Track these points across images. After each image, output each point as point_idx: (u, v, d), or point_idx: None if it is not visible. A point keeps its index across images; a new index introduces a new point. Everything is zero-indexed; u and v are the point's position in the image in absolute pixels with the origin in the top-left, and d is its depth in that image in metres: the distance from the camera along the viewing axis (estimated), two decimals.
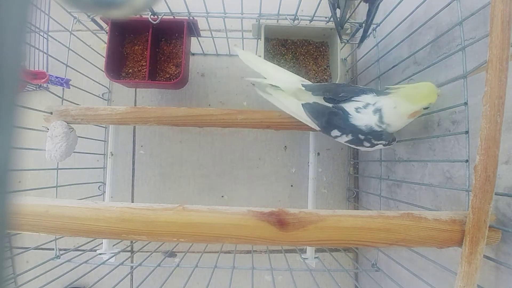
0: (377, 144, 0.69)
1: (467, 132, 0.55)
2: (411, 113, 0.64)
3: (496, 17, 0.42)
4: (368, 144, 0.70)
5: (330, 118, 0.70)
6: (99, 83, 1.08)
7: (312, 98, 0.73)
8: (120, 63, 1.02)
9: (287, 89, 0.76)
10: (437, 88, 0.62)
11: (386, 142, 0.69)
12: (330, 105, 0.71)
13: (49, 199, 0.58)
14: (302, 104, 0.73)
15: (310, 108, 0.72)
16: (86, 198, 1.01)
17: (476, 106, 0.54)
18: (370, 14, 0.72)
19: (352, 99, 0.69)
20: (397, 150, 0.85)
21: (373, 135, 0.68)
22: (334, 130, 0.71)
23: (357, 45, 0.88)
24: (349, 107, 0.68)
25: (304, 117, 0.75)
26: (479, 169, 0.46)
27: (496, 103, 0.43)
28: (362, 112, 0.67)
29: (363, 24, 0.88)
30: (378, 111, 0.66)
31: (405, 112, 0.64)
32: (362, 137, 0.69)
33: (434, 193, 0.69)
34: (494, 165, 0.45)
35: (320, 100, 0.72)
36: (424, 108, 0.63)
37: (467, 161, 0.55)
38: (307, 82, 0.76)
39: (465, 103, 0.56)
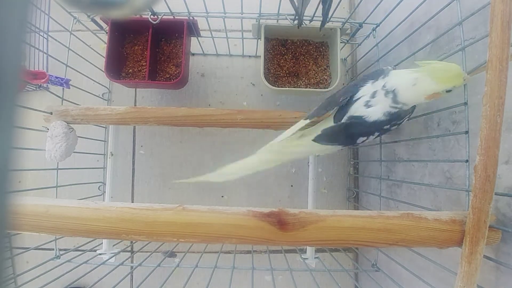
0: (402, 122, 0.64)
1: (467, 132, 0.55)
2: (431, 94, 0.57)
3: (496, 17, 0.42)
4: (394, 127, 0.65)
5: (348, 131, 0.65)
6: (99, 83, 1.08)
7: (318, 129, 0.68)
8: (120, 63, 1.02)
9: (292, 136, 0.69)
10: (464, 72, 0.54)
11: (409, 115, 0.64)
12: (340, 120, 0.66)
13: (49, 199, 0.58)
14: (312, 140, 0.67)
15: (323, 137, 0.67)
16: (86, 198, 1.01)
17: (476, 106, 0.54)
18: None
19: (354, 98, 0.64)
20: (397, 150, 0.85)
21: (394, 120, 0.63)
22: (358, 138, 0.66)
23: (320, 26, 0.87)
24: (357, 109, 0.64)
25: (323, 150, 0.70)
26: (479, 169, 0.46)
27: (496, 103, 0.43)
28: (373, 103, 0.63)
29: (363, 24, 0.88)
30: (390, 92, 0.61)
31: (425, 91, 0.57)
32: (387, 126, 0.64)
33: (434, 193, 0.69)
34: (494, 165, 0.45)
35: (326, 124, 0.67)
36: (447, 91, 0.56)
37: (467, 161, 0.55)
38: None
39: (465, 103, 0.56)
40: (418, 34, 0.72)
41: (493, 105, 0.43)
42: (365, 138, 0.66)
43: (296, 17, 0.86)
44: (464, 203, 0.57)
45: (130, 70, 1.03)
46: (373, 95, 0.63)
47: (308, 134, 0.69)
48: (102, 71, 0.95)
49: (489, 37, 0.44)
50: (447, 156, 0.64)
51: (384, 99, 0.62)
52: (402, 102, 0.60)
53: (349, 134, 0.66)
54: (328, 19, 0.82)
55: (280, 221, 0.52)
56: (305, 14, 0.88)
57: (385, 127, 0.64)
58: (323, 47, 1.03)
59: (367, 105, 0.63)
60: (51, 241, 0.86)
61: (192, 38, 1.05)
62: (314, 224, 0.52)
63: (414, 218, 0.52)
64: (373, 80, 0.64)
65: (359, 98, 0.64)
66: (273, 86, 0.95)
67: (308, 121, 0.69)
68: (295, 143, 0.69)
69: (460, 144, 0.60)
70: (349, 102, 0.65)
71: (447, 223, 0.51)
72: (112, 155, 1.00)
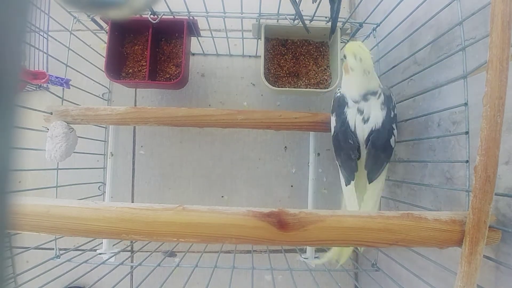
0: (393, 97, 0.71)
1: (467, 132, 0.55)
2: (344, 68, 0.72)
3: (497, 17, 0.42)
4: (396, 107, 0.71)
5: (379, 146, 0.67)
6: (99, 83, 1.08)
7: (363, 175, 0.70)
8: (120, 63, 1.02)
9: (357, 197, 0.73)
10: (357, 47, 0.69)
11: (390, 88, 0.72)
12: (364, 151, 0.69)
13: (49, 199, 0.58)
14: (369, 183, 0.70)
15: (372, 173, 0.69)
16: (86, 198, 1.01)
17: (476, 106, 0.54)
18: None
19: (352, 130, 0.69)
20: (397, 150, 0.85)
21: (390, 103, 0.69)
22: (389, 142, 0.68)
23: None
24: (364, 131, 0.68)
25: (383, 176, 0.72)
26: (479, 169, 0.46)
27: (496, 103, 0.43)
28: (368, 114, 0.68)
29: (363, 24, 0.88)
30: (369, 95, 0.69)
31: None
32: (394, 112, 0.69)
33: (434, 193, 0.69)
34: (494, 165, 0.45)
35: (362, 165, 0.70)
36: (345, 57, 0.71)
37: (467, 161, 0.55)
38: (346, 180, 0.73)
39: (465, 104, 0.56)
40: (418, 34, 0.72)
41: (493, 105, 0.43)
42: (393, 136, 0.69)
43: (296, 17, 0.86)
44: (464, 204, 0.57)
45: (130, 70, 1.03)
46: (361, 111, 0.68)
47: (360, 186, 0.72)
48: (102, 71, 0.95)
49: (489, 37, 0.44)
50: (447, 157, 0.64)
51: (369, 103, 0.68)
52: (375, 87, 0.69)
53: (382, 148, 0.68)
54: (336, 22, 0.81)
55: (280, 221, 0.52)
56: (305, 14, 0.88)
57: (392, 114, 0.68)
58: (323, 47, 1.03)
59: (366, 120, 0.68)
60: (51, 241, 0.86)
61: (192, 38, 1.05)
62: (314, 224, 0.52)
63: (414, 218, 0.52)
64: (345, 106, 0.70)
65: (355, 124, 0.69)
66: (273, 86, 0.95)
67: (353, 182, 0.71)
68: (366, 198, 0.71)
69: (461, 145, 0.60)
70: (353, 135, 0.69)
71: (447, 223, 0.51)
72: (112, 155, 1.00)
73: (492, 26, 0.43)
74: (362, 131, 0.68)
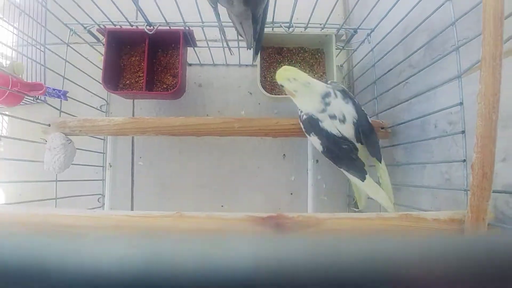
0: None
1: (463, 132, 0.55)
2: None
3: (488, 13, 0.42)
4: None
5: (369, 134, 0.72)
6: (97, 95, 1.08)
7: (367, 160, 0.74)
8: (117, 75, 1.03)
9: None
10: (284, 71, 0.72)
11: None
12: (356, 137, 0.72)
13: (49, 208, 0.58)
14: (383, 167, 0.74)
15: (380, 157, 0.74)
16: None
17: (472, 107, 0.54)
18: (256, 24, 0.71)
19: (339, 136, 0.71)
20: (395, 154, 0.85)
21: (346, 93, 0.73)
22: (369, 121, 0.73)
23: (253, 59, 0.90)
24: (348, 130, 0.71)
25: None
26: (476, 166, 0.45)
27: (490, 100, 0.43)
28: (342, 114, 0.71)
29: (358, 30, 0.88)
30: (329, 96, 0.71)
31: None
32: (356, 100, 0.74)
33: (433, 195, 0.69)
34: (491, 162, 0.44)
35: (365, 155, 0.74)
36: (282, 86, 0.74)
37: (464, 160, 0.55)
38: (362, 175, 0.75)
39: (461, 103, 0.56)
40: (413, 37, 0.73)
41: (488, 102, 0.43)
42: (367, 116, 0.74)
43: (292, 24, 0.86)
44: (463, 204, 0.56)
45: (128, 81, 1.03)
46: (334, 116, 0.71)
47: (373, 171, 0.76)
48: (99, 83, 0.95)
49: (482, 35, 0.44)
50: (444, 158, 0.64)
51: (333, 105, 0.71)
52: (324, 89, 0.72)
53: (369, 131, 0.72)
54: (259, 44, 0.78)
55: (278, 225, 0.52)
56: (300, 22, 0.89)
57: (356, 101, 0.73)
58: (319, 54, 1.03)
59: (343, 119, 0.71)
60: None
61: (188, 48, 1.06)
62: (312, 227, 0.52)
63: (413, 218, 0.52)
64: (319, 122, 0.72)
65: (338, 130, 0.71)
66: (270, 94, 0.95)
67: (367, 176, 0.73)
68: (382, 181, 0.76)
69: (458, 145, 0.60)
70: (343, 139, 0.72)
71: (446, 223, 0.51)
72: (110, 166, 0.99)
73: (484, 23, 0.43)
74: (347, 130, 0.71)
